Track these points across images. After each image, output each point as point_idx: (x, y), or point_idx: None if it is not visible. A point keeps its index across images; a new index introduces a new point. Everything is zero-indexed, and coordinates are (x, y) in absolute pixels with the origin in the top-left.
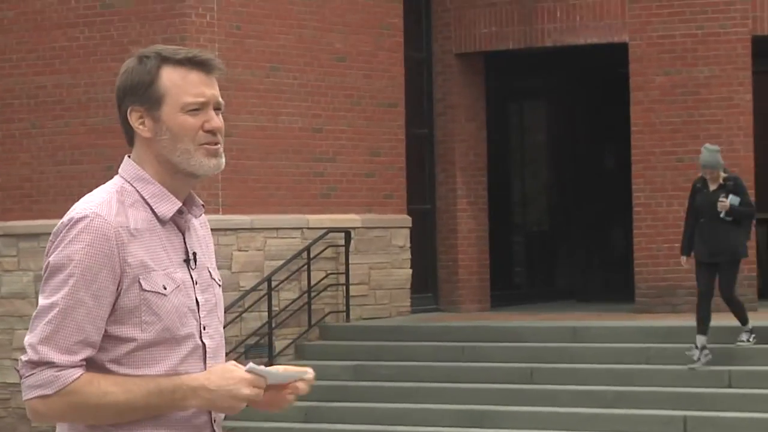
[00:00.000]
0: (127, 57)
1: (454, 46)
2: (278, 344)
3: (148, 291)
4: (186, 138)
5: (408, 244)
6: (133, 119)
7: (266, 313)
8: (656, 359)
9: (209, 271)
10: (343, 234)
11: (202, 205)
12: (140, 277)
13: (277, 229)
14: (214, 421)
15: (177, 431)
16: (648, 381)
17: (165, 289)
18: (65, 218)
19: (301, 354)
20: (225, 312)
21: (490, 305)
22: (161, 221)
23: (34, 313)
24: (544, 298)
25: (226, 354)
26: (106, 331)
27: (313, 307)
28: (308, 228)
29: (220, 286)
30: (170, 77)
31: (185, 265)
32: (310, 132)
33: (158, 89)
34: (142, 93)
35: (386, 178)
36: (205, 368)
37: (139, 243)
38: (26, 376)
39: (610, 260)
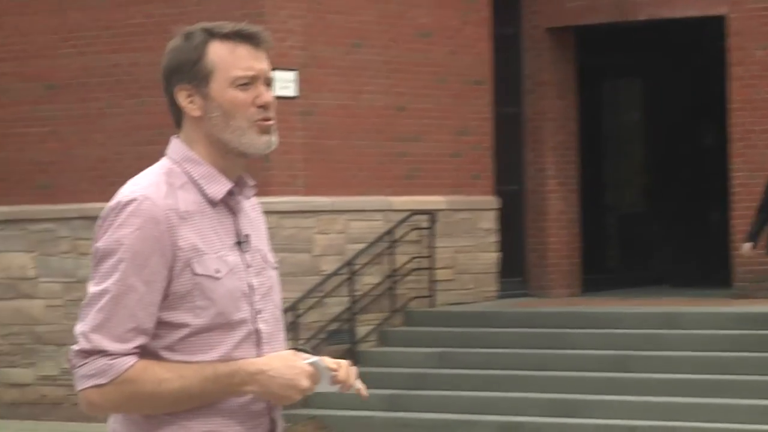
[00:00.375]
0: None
1: (543, 20)
2: (360, 330)
3: (201, 275)
4: (238, 114)
5: (495, 227)
6: (182, 98)
7: (348, 298)
8: (754, 347)
9: (263, 254)
10: (427, 216)
11: (254, 185)
12: (192, 260)
13: (359, 211)
14: (272, 408)
15: (232, 419)
16: (745, 369)
17: (218, 272)
18: (112, 202)
19: (384, 340)
20: (306, 297)
21: (580, 290)
22: (212, 203)
23: (84, 301)
24: (638, 282)
25: (307, 340)
26: (158, 317)
27: (396, 292)
28: (391, 210)
29: (275, 269)
30: (218, 52)
31: (237, 247)
32: (394, 110)
33: (206, 65)
34: (189, 70)
35: (472, 158)
36: (260, 354)
37: (190, 226)
38: (78, 366)
39: (707, 243)
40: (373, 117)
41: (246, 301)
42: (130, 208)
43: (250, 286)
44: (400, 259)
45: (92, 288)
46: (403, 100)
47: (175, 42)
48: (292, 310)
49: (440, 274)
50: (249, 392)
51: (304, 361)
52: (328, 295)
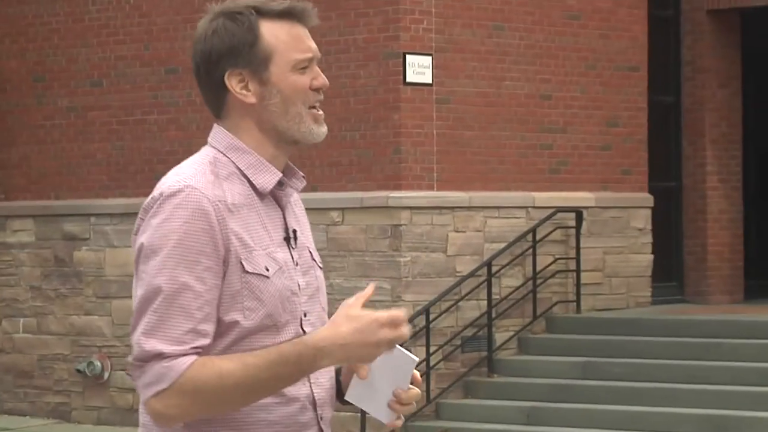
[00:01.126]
0: (334, 14)
1: (705, 1)
2: (499, 337)
3: (251, 273)
4: (298, 100)
5: (649, 226)
6: (234, 84)
7: (486, 302)
8: None
9: (309, 252)
10: (573, 214)
11: (303, 177)
12: (242, 257)
13: (498, 207)
14: (321, 418)
15: (280, 430)
16: None
17: (267, 270)
18: (155, 192)
19: (524, 348)
20: (439, 300)
21: (743, 297)
22: (260, 195)
23: (134, 306)
24: None
25: (440, 346)
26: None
27: (538, 295)
28: (534, 207)
29: (321, 268)
30: (274, 32)
31: (286, 243)
32: (538, 99)
33: (264, 47)
34: (245, 53)
35: (624, 151)
36: None
37: (238, 219)
38: (138, 377)
39: None
40: (515, 106)
41: (295, 302)
42: (176, 200)
43: (299, 286)
44: (543, 260)
45: (141, 290)
46: (549, 87)
47: (217, 23)
48: (424, 314)
49: (587, 278)
50: (323, 366)
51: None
52: (463, 298)
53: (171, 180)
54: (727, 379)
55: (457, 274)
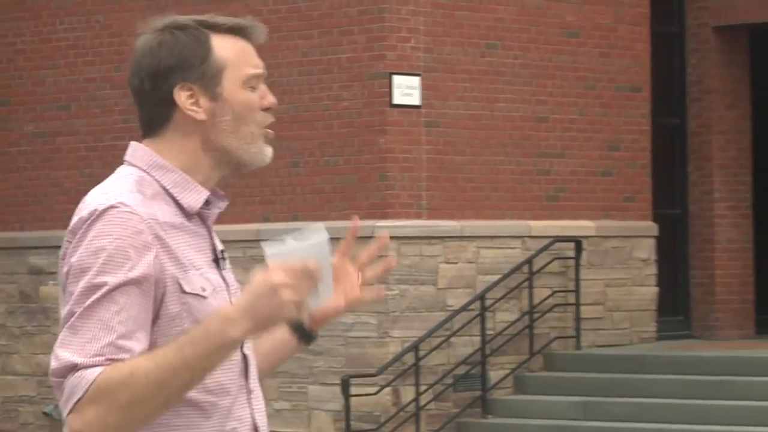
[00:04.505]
0: (316, 32)
1: (711, 17)
2: (493, 375)
3: (189, 293)
4: (250, 119)
5: (653, 257)
6: (183, 99)
7: (479, 338)
8: None
9: (232, 273)
10: (572, 244)
11: (225, 195)
12: (179, 278)
13: (492, 237)
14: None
15: None
16: None
17: (204, 291)
18: (84, 212)
19: (521, 387)
20: (429, 335)
21: (754, 331)
22: (187, 215)
23: (60, 323)
24: None
25: (431, 385)
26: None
27: (535, 331)
28: (531, 236)
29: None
30: (225, 47)
31: (215, 265)
32: (534, 122)
33: (216, 61)
34: (197, 67)
35: (626, 177)
36: (249, 384)
37: (171, 239)
38: (59, 397)
39: None
40: (509, 129)
41: None
42: (107, 217)
43: None
44: (540, 293)
45: (67, 307)
46: (545, 109)
47: (164, 36)
48: (413, 351)
49: (587, 312)
50: (236, 337)
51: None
52: (455, 334)
53: (99, 198)
54: (737, 420)
55: (449, 309)
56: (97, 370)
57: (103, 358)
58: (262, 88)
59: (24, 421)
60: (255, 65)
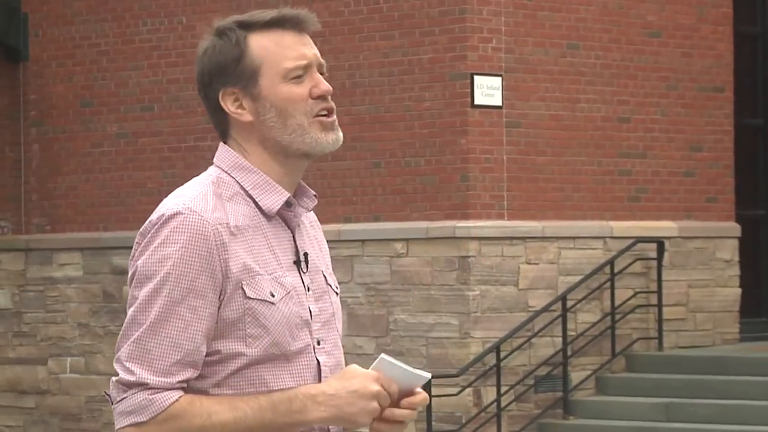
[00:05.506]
0: (397, 33)
1: None
2: (575, 376)
3: (253, 299)
4: (296, 111)
5: (736, 258)
6: (228, 103)
7: (560, 339)
8: None
9: (324, 276)
10: (654, 245)
11: (315, 196)
12: (243, 282)
13: (574, 238)
14: None
15: None
16: None
17: (273, 296)
18: (154, 216)
19: (602, 388)
20: (511, 336)
21: None
22: (267, 216)
23: (123, 327)
24: None
25: (512, 386)
26: (207, 348)
27: (617, 332)
28: (612, 237)
29: (337, 294)
30: (262, 44)
31: (296, 267)
32: (616, 122)
33: (252, 61)
34: (233, 70)
35: (709, 177)
36: None
37: (242, 242)
38: (117, 401)
39: None
40: (590, 129)
41: (305, 329)
42: (173, 223)
43: (310, 312)
44: (622, 294)
45: (131, 312)
46: (627, 110)
47: (207, 42)
48: (494, 351)
49: (669, 313)
50: (315, 420)
51: (371, 366)
52: (536, 334)
53: (170, 202)
54: None
55: (530, 309)
56: (170, 396)
57: (175, 380)
58: (315, 76)
59: (107, 420)
60: (296, 56)
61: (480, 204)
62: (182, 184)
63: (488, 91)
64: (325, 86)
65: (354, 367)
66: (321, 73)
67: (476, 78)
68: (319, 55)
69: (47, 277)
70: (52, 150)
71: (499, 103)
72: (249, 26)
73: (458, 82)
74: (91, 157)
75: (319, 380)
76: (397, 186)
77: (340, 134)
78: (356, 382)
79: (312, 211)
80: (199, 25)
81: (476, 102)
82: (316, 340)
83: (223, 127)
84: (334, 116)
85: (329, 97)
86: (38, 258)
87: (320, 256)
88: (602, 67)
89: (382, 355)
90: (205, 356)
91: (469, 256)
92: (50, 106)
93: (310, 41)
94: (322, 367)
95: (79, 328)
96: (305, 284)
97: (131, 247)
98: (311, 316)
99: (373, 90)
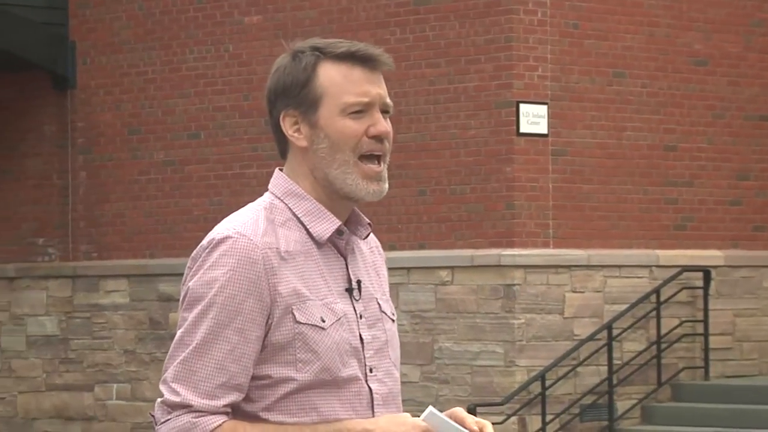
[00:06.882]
0: (443, 61)
1: None
2: (620, 405)
3: (303, 323)
4: (346, 146)
5: None
6: (287, 125)
7: (606, 368)
8: None
9: (378, 303)
10: (701, 273)
11: (369, 224)
12: (293, 307)
13: (619, 266)
14: None
15: None
16: None
17: (323, 321)
18: (205, 240)
19: (648, 418)
20: (556, 365)
21: None
22: (318, 243)
23: (171, 348)
24: None
25: (557, 415)
26: (254, 371)
27: (663, 361)
28: (658, 266)
29: (393, 321)
30: (329, 74)
31: (347, 294)
32: (662, 150)
33: (315, 89)
34: (296, 94)
35: (756, 206)
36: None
37: (292, 267)
38: (161, 422)
39: None
40: (637, 158)
41: (356, 356)
42: (223, 247)
43: (362, 340)
44: (668, 323)
45: (180, 334)
46: (673, 138)
47: (282, 61)
48: (540, 380)
49: (716, 342)
50: None
51: (421, 416)
52: (582, 363)
53: (222, 227)
54: None
55: (575, 338)
56: (214, 421)
57: (220, 403)
58: (375, 116)
59: None
60: (360, 93)
61: (525, 232)
62: (228, 211)
63: (534, 119)
64: (382, 127)
65: (405, 415)
66: (385, 112)
67: (522, 106)
68: (385, 95)
69: (94, 304)
70: (99, 177)
71: (545, 131)
72: (322, 54)
73: (504, 110)
74: (138, 185)
75: (372, 408)
76: (443, 214)
77: (385, 186)
78: (404, 429)
79: (374, 236)
80: (246, 53)
81: (522, 130)
82: (368, 367)
83: (282, 146)
84: (383, 166)
85: (386, 141)
86: (85, 285)
87: (376, 282)
88: (648, 96)
89: (431, 408)
90: (256, 380)
91: (514, 284)
92: (98, 134)
93: (380, 80)
94: (375, 395)
95: (125, 355)
96: (357, 311)
97: (177, 274)
98: (363, 343)
99: (419, 118)
